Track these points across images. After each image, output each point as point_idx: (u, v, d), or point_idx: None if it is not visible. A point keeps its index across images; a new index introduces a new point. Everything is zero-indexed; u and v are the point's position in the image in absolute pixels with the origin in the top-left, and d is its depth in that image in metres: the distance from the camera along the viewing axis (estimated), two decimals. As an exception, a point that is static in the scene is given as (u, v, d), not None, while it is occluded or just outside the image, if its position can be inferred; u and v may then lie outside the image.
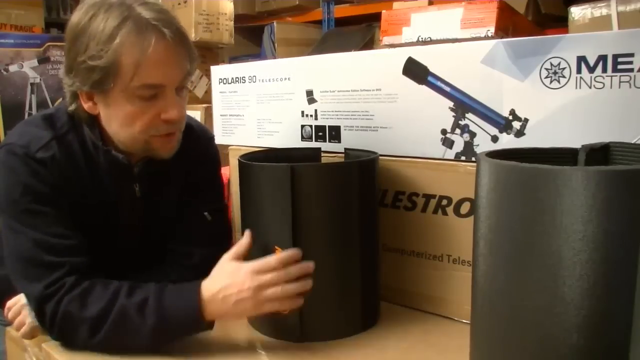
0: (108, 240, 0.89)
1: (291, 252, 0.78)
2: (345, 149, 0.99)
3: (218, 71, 1.21)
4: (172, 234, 0.94)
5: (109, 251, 0.88)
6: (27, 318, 0.83)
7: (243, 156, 0.91)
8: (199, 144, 0.98)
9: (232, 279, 0.77)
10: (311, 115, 1.05)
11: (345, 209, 0.84)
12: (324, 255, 0.82)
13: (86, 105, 0.82)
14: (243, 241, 0.82)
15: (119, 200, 0.89)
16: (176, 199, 0.95)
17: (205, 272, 0.80)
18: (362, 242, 0.86)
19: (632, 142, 0.70)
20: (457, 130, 0.86)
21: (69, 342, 0.79)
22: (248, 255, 0.82)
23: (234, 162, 1.18)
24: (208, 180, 0.99)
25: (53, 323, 0.77)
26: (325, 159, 1.02)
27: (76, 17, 0.79)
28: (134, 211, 0.91)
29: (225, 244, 0.92)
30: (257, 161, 0.88)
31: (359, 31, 2.41)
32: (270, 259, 0.77)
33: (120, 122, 0.81)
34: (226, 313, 0.77)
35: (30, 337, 0.84)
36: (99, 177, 0.86)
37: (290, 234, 0.80)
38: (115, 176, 0.87)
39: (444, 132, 0.88)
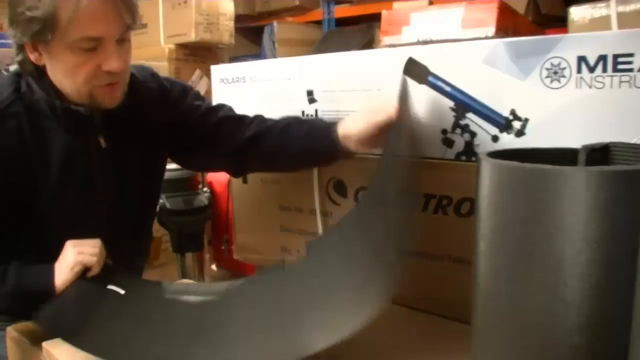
0: (85, 199, 0.91)
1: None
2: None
3: (218, 71, 1.21)
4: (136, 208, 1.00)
5: (89, 211, 0.91)
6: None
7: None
8: (146, 85, 1.00)
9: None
10: (311, 115, 1.05)
11: None
12: None
13: (32, 56, 0.84)
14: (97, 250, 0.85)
15: (84, 155, 0.90)
16: (144, 148, 0.97)
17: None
18: None
19: (632, 142, 0.70)
20: (458, 130, 0.86)
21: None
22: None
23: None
24: (182, 97, 1.03)
25: None
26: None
27: None
28: (103, 164, 0.92)
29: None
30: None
31: (359, 31, 2.41)
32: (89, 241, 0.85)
33: (63, 73, 0.84)
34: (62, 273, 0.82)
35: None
36: (56, 138, 0.88)
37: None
38: (76, 131, 0.89)
39: (444, 132, 0.88)
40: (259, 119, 1.02)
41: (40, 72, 0.86)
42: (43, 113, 0.87)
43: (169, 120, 1.01)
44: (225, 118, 1.02)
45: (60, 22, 0.78)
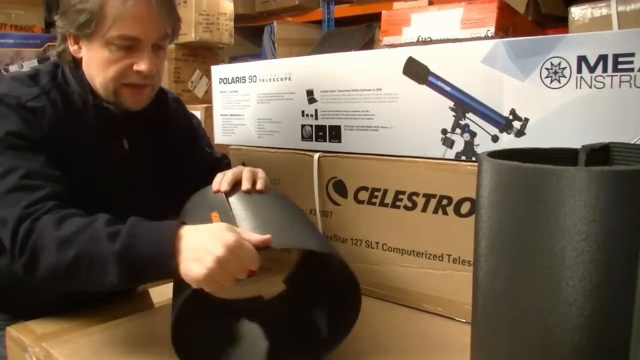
0: (97, 196, 0.88)
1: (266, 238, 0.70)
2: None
3: (218, 71, 1.21)
4: (179, 180, 1.02)
5: (97, 205, 0.86)
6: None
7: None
8: (174, 104, 1.08)
9: (218, 245, 0.66)
10: (311, 115, 1.05)
11: None
12: None
13: (72, 48, 0.90)
14: (258, 238, 0.70)
15: (107, 154, 0.92)
16: (153, 156, 1.00)
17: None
18: None
19: (632, 142, 0.70)
20: (458, 130, 0.86)
21: (35, 268, 0.73)
22: None
23: (234, 162, 1.18)
24: (189, 121, 1.11)
25: (25, 242, 0.72)
26: (325, 159, 1.02)
27: None
28: (122, 165, 0.95)
29: (228, 161, 1.12)
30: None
31: (359, 31, 2.41)
32: (253, 257, 0.69)
33: (97, 66, 0.88)
34: (190, 268, 0.67)
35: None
36: (85, 133, 0.90)
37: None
38: (104, 129, 0.91)
39: (444, 131, 0.88)
40: None
41: (76, 65, 0.91)
42: (76, 105, 0.90)
43: (184, 144, 1.06)
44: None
45: (105, 17, 0.83)
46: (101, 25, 0.84)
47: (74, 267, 0.70)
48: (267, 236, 0.71)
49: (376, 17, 1.94)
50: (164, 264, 0.68)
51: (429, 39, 1.07)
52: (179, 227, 0.70)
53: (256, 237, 0.70)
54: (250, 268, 0.69)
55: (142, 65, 0.86)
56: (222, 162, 1.12)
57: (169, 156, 1.03)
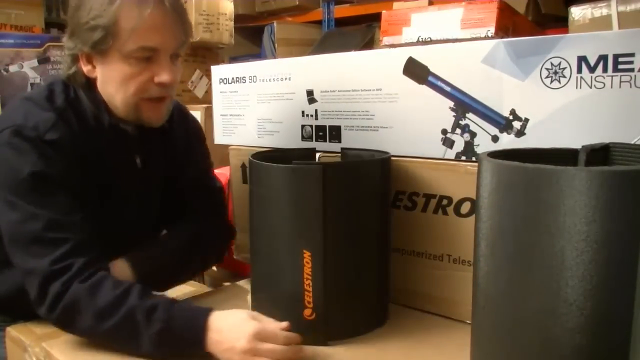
0: (110, 212, 0.90)
1: (296, 336, 0.76)
2: (342, 148, 1.00)
3: (218, 71, 1.21)
4: (170, 205, 1.01)
5: (112, 222, 0.90)
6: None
7: (254, 157, 0.90)
8: (186, 119, 1.07)
9: (245, 340, 0.73)
10: (311, 115, 1.05)
11: (367, 207, 0.84)
12: (349, 254, 0.82)
13: (85, 69, 0.86)
14: (279, 325, 0.77)
15: (120, 173, 0.91)
16: (164, 171, 1.00)
17: (213, 220, 1.00)
18: (379, 241, 0.87)
19: (632, 142, 0.70)
20: (458, 130, 0.86)
21: (68, 326, 0.79)
22: (271, 259, 0.84)
23: (234, 162, 1.18)
24: (198, 142, 1.08)
25: (56, 304, 0.77)
26: (325, 158, 1.02)
27: None
28: (134, 182, 0.94)
29: (221, 194, 1.07)
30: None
31: (359, 31, 2.40)
32: (278, 335, 0.75)
33: (115, 83, 0.85)
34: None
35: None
36: (99, 152, 0.88)
37: (321, 234, 0.79)
38: (118, 149, 0.90)
39: (444, 132, 0.88)
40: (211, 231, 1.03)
41: (89, 85, 0.88)
42: (89, 124, 0.87)
43: (193, 164, 1.05)
44: (206, 204, 1.05)
45: (121, 30, 0.81)
46: (117, 39, 0.81)
47: (110, 336, 0.77)
48: (285, 323, 0.77)
49: (376, 17, 1.94)
50: (196, 347, 0.75)
51: (429, 39, 1.07)
52: (209, 314, 0.76)
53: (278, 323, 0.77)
54: (281, 345, 0.73)
55: (163, 76, 0.84)
56: (213, 194, 1.08)
57: (174, 170, 1.02)
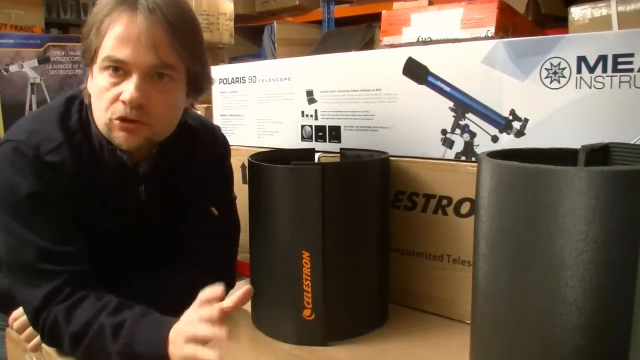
0: (114, 242, 0.88)
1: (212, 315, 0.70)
2: (342, 149, 1.00)
3: (218, 71, 1.21)
4: (179, 234, 0.93)
5: (116, 252, 0.87)
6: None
7: (253, 157, 0.89)
8: (204, 145, 0.95)
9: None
10: (311, 115, 1.05)
11: (367, 207, 0.84)
12: (348, 254, 0.82)
13: (89, 84, 0.81)
14: (238, 296, 0.71)
15: (124, 204, 0.86)
16: (182, 201, 0.92)
17: (213, 267, 0.86)
18: (379, 241, 0.87)
19: (632, 142, 0.70)
20: (457, 130, 0.86)
21: (58, 347, 0.80)
22: (270, 260, 0.83)
23: (234, 162, 1.17)
24: (212, 175, 0.96)
25: (43, 332, 0.78)
26: (325, 159, 1.02)
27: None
28: (140, 213, 0.88)
29: (233, 236, 0.97)
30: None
31: (359, 31, 2.41)
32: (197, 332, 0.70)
33: (94, 97, 0.79)
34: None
35: (40, 349, 0.84)
36: (103, 180, 0.83)
37: (320, 234, 0.79)
38: (119, 178, 0.84)
39: (444, 132, 0.88)
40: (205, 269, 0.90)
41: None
42: (94, 148, 0.82)
43: (210, 196, 0.95)
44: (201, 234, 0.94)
45: (101, 39, 0.75)
46: (99, 49, 0.75)
47: (88, 355, 0.76)
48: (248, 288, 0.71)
49: (376, 17, 1.94)
50: None
51: (429, 39, 1.07)
52: (170, 329, 0.72)
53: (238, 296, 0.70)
54: (211, 336, 0.68)
55: (125, 94, 0.74)
56: (223, 235, 0.96)
57: (184, 202, 0.93)
